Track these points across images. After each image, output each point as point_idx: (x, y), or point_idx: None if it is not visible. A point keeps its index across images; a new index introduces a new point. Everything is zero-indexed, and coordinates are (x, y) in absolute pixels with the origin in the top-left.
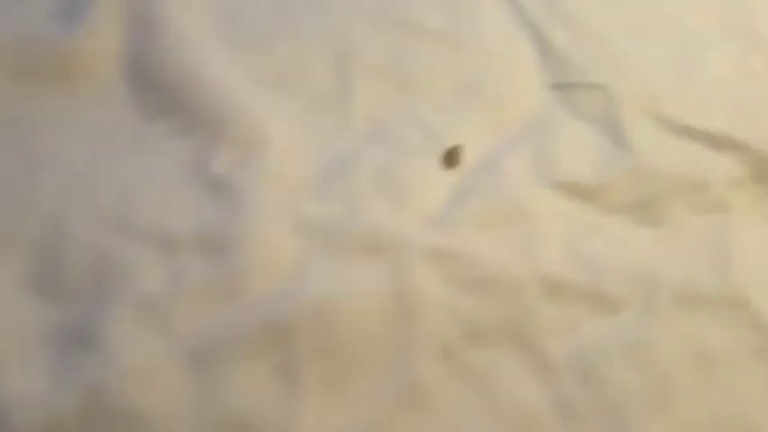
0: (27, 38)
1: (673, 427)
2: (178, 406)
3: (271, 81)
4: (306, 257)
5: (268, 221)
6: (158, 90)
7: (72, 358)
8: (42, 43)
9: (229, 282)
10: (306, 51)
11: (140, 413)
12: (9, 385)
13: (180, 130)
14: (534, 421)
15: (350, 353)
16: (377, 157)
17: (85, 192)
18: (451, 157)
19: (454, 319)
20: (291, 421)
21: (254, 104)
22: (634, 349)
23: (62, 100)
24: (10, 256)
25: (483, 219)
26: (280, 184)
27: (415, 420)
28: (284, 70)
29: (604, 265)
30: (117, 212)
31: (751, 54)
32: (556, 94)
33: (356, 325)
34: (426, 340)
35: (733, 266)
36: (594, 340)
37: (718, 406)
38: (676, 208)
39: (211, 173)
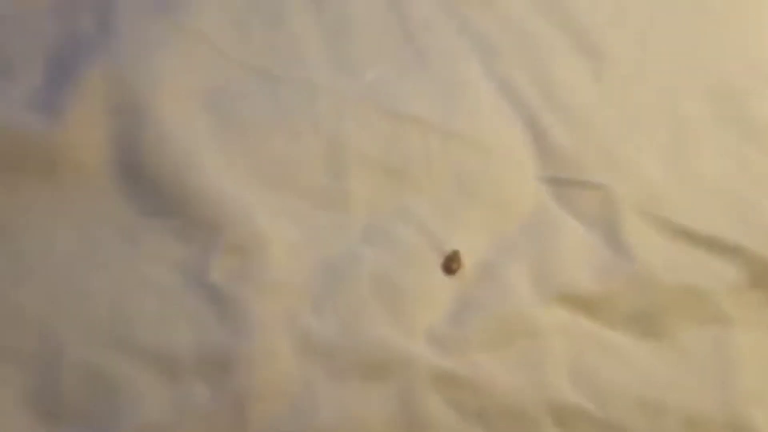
0: (4, 128)
1: None
2: None
3: (266, 174)
4: (310, 379)
5: (270, 339)
6: (148, 186)
7: None
8: (21, 133)
9: (235, 410)
10: (299, 140)
11: None
12: None
13: (173, 229)
14: None
15: None
16: (376, 261)
17: (76, 300)
18: (451, 263)
19: None
20: None
21: (250, 202)
22: None
23: (46, 196)
24: (6, 373)
25: (487, 337)
26: (280, 294)
27: None
28: (279, 163)
29: (609, 389)
30: (112, 326)
31: (745, 143)
32: (552, 191)
33: None
34: None
35: (735, 384)
36: None
37: None
38: (677, 320)
39: (209, 282)
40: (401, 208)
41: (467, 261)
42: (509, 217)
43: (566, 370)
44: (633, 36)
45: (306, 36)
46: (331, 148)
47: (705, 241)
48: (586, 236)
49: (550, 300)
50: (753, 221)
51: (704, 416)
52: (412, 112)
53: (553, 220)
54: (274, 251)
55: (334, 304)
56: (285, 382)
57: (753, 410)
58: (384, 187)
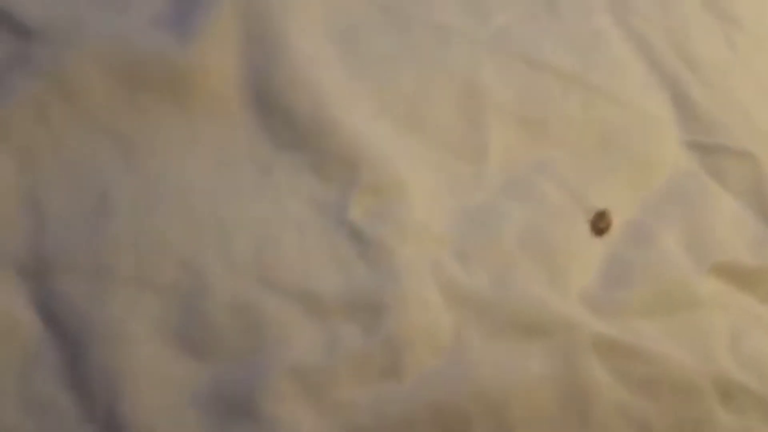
0: (136, 44)
1: None
2: None
3: (399, 116)
4: (461, 331)
5: (419, 286)
6: (282, 118)
7: (228, 427)
8: (153, 50)
9: (386, 355)
10: (432, 83)
11: None
12: None
13: (310, 164)
14: None
15: None
16: (519, 215)
17: (216, 234)
18: (599, 222)
19: (629, 421)
20: None
21: (386, 143)
22: None
23: (176, 121)
24: (146, 302)
25: (647, 303)
26: (423, 239)
27: None
28: (411, 104)
29: None
30: (256, 262)
31: None
32: (698, 156)
33: (528, 417)
34: None
35: None
36: None
37: None
38: None
39: (350, 221)
40: (541, 162)
41: (615, 221)
42: (656, 179)
43: (728, 346)
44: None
45: None
46: (465, 93)
47: None
48: (735, 206)
49: (708, 270)
50: None
51: None
52: (549, 61)
53: (702, 187)
54: (414, 194)
55: (481, 256)
56: (438, 331)
57: None
58: (522, 138)
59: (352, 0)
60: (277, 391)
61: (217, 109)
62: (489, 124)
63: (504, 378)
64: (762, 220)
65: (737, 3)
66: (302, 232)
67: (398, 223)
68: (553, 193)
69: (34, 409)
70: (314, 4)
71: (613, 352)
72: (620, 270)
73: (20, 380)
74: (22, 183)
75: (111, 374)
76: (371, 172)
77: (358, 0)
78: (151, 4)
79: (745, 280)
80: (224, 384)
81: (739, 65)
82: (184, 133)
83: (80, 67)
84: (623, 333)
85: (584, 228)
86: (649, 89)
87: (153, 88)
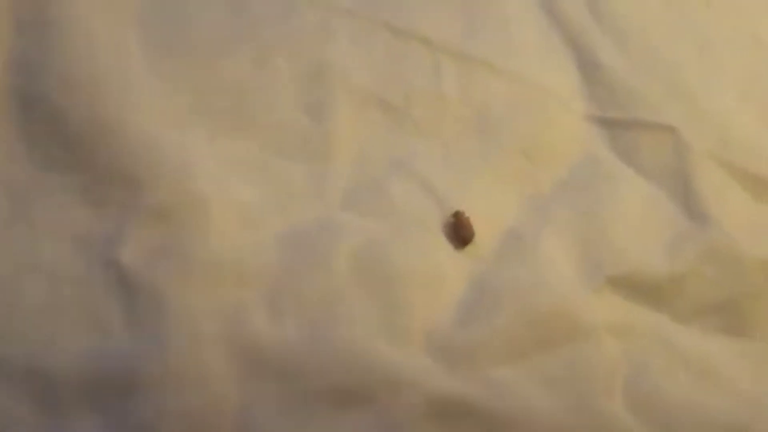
0: None
1: None
2: None
3: (220, 112)
4: (254, 409)
5: (198, 351)
6: (54, 128)
7: None
8: None
9: None
10: (267, 66)
11: None
12: None
13: (79, 187)
14: None
15: None
16: (361, 232)
17: None
18: (459, 231)
19: None
20: None
21: (189, 151)
22: None
23: None
24: None
25: (513, 343)
26: (220, 280)
27: None
28: (237, 96)
29: (678, 413)
30: None
31: None
32: (607, 134)
33: None
34: None
35: None
36: None
37: None
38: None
39: (119, 261)
40: (400, 158)
41: (488, 230)
42: (547, 170)
43: (620, 388)
44: None
45: None
46: (309, 74)
47: None
48: (649, 194)
49: (603, 285)
50: None
51: None
52: (420, 30)
53: (608, 173)
54: (217, 217)
55: (297, 297)
56: (217, 414)
57: None
58: (378, 128)
59: None
60: None
61: None
62: (336, 112)
63: None
64: (683, 210)
65: None
66: (53, 283)
67: (186, 259)
68: (406, 200)
69: None
70: None
71: (456, 416)
72: (484, 299)
73: None
74: None
75: None
76: (159, 191)
77: None
78: None
79: (655, 294)
80: None
81: (673, 25)
82: None
83: None
84: (473, 387)
85: (440, 242)
86: (548, 57)
87: None
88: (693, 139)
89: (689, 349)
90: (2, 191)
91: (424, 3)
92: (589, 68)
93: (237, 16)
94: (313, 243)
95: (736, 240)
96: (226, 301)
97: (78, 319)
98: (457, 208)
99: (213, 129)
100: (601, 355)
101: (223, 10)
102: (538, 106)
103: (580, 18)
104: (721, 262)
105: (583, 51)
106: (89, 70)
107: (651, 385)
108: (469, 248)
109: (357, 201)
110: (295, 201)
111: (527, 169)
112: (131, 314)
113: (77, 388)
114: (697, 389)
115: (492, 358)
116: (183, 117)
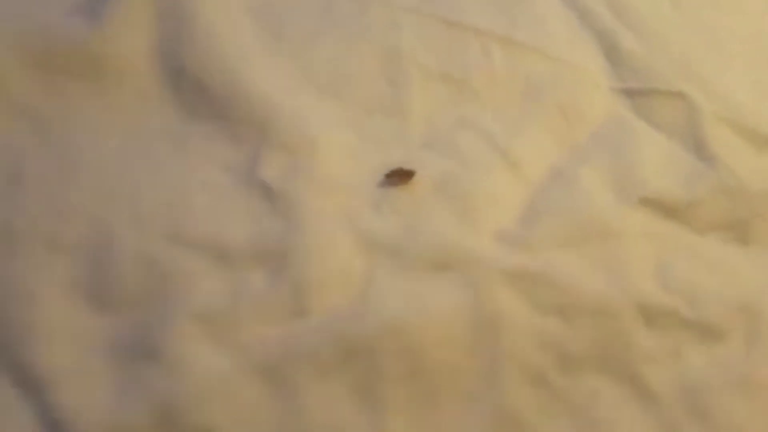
0: (50, 30)
1: None
2: (256, 422)
3: (318, 81)
4: (372, 273)
5: (328, 233)
6: (195, 90)
7: (135, 371)
8: (67, 36)
9: (293, 297)
10: (353, 50)
11: (216, 430)
12: (71, 398)
13: (222, 131)
14: None
15: (435, 377)
16: (439, 164)
17: (128, 197)
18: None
19: (543, 345)
20: None
21: (301, 107)
22: (740, 380)
23: (94, 99)
24: (55, 262)
25: (563, 237)
26: (334, 191)
27: None
28: (332, 72)
29: (701, 291)
30: (165, 220)
31: None
32: (629, 102)
33: (439, 347)
34: (514, 365)
35: None
36: (698, 370)
37: None
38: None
39: (260, 179)
40: (462, 117)
41: (535, 168)
42: (581, 127)
43: (652, 272)
44: None
45: None
46: (386, 57)
47: None
48: (667, 145)
49: (633, 204)
50: None
51: None
52: (471, 22)
53: (632, 130)
54: (327, 151)
55: (394, 204)
56: (346, 273)
57: None
58: (443, 96)
59: None
60: (180, 334)
61: (130, 86)
62: (410, 83)
63: (412, 310)
64: (696, 156)
65: None
66: (213, 192)
67: (309, 178)
68: (473, 145)
69: None
70: None
71: (525, 282)
72: (539, 210)
73: None
74: None
75: (19, 328)
76: (281, 133)
77: None
78: None
79: (676, 212)
80: (130, 331)
81: (683, 19)
82: (100, 111)
83: None
84: (536, 264)
85: (505, 175)
86: (577, 42)
87: (68, 71)
88: (702, 102)
89: (706, 252)
90: (163, 136)
91: (471, 3)
92: (611, 52)
93: (325, 12)
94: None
95: (741, 177)
96: (341, 205)
97: (237, 215)
98: (509, 150)
99: (317, 95)
100: (635, 250)
101: (314, 9)
102: (570, 79)
103: (600, 12)
104: (729, 193)
105: (605, 38)
106: (220, 49)
107: (677, 273)
108: (520, 178)
109: (432, 146)
110: (383, 145)
111: (565, 125)
112: (275, 212)
113: (245, 254)
114: (713, 278)
115: (546, 245)
116: (293, 85)
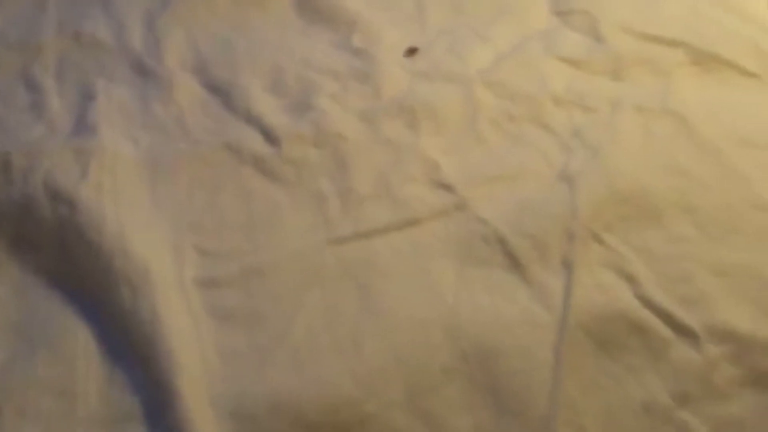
0: None
1: None
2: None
3: (377, 5)
4: (413, 82)
5: (393, 69)
6: (312, 9)
7: None
8: None
9: (373, 89)
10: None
11: None
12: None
13: (327, 27)
14: None
15: None
16: (446, 44)
17: (271, 68)
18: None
19: None
20: None
21: (372, 17)
22: None
23: (256, 14)
24: None
25: (515, 71)
26: (391, 51)
27: None
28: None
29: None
30: (296, 80)
31: None
32: (559, 18)
33: None
34: None
35: (670, 98)
36: None
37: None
38: (636, 72)
39: (353, 46)
40: (461, 23)
41: (502, 44)
42: (531, 29)
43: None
44: None
45: None
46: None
47: (662, 41)
48: (578, 38)
49: (554, 59)
50: (696, 30)
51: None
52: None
53: (559, 30)
54: (387, 37)
55: (426, 58)
56: (401, 84)
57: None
58: (450, 13)
59: None
60: None
61: (276, 6)
62: (429, 6)
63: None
64: (594, 41)
65: None
66: (326, 54)
67: (380, 46)
68: (468, 36)
69: None
70: None
71: (495, 84)
72: (502, 57)
73: None
74: None
75: None
76: (363, 27)
77: None
78: None
79: (578, 64)
80: None
81: None
82: (261, 19)
83: None
84: (501, 75)
85: (486, 50)
86: None
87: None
88: (600, 16)
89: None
90: (294, 31)
91: None
92: None
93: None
94: (426, 45)
95: (620, 48)
96: (399, 57)
97: (342, 60)
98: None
99: (376, 11)
100: (551, 76)
101: None
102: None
103: None
104: (612, 56)
105: None
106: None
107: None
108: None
109: (442, 36)
110: (414, 35)
111: (524, 28)
112: (362, 59)
113: (350, 75)
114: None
115: (508, 73)
116: (364, 6)
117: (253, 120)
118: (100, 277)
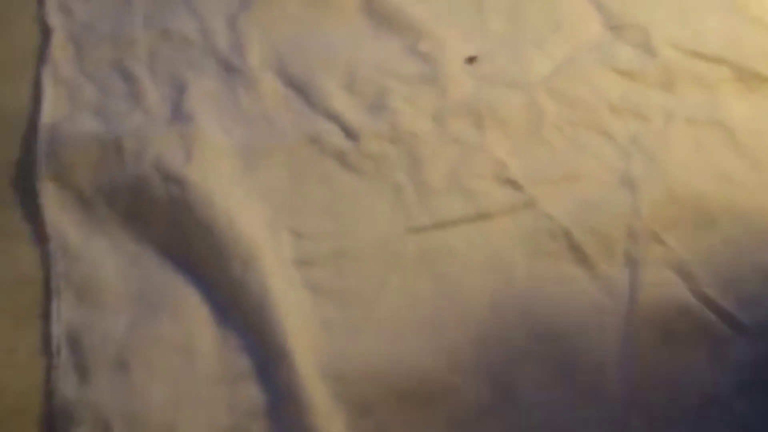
0: None
1: None
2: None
3: (440, 15)
4: (477, 87)
5: (458, 74)
6: (378, 15)
7: None
8: None
9: (440, 92)
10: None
11: None
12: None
13: (392, 32)
14: None
15: None
16: (506, 52)
17: (346, 64)
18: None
19: None
20: None
21: (435, 25)
22: None
23: (327, 19)
24: None
25: (573, 80)
26: (458, 59)
27: None
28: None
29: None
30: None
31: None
32: (613, 32)
33: None
34: None
35: (718, 111)
36: None
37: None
38: (685, 86)
39: (419, 51)
40: (518, 35)
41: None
42: (586, 42)
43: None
44: None
45: None
46: None
47: (707, 58)
48: (631, 50)
49: (610, 71)
50: (738, 47)
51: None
52: None
53: (612, 43)
54: (449, 43)
55: (487, 62)
56: (465, 88)
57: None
58: (506, 25)
59: None
60: None
61: (346, 12)
62: (489, 15)
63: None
64: (646, 54)
65: None
66: (394, 58)
67: (443, 51)
68: (526, 48)
69: None
70: None
71: (561, 95)
72: (563, 64)
73: None
74: None
75: None
76: (426, 32)
77: None
78: None
79: (633, 76)
80: None
81: None
82: (331, 24)
83: None
84: (570, 83)
85: (540, 58)
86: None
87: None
88: (651, 31)
89: (647, 96)
90: (365, 36)
91: None
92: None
93: None
94: (486, 51)
95: (671, 62)
96: (459, 61)
97: (410, 65)
98: (547, 53)
99: (439, 19)
100: (607, 90)
101: None
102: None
103: None
104: (664, 70)
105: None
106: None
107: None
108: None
109: (503, 45)
110: (475, 41)
111: (576, 43)
112: (431, 64)
113: (417, 79)
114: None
115: (564, 81)
116: (427, 13)
117: (332, 116)
118: (211, 252)
